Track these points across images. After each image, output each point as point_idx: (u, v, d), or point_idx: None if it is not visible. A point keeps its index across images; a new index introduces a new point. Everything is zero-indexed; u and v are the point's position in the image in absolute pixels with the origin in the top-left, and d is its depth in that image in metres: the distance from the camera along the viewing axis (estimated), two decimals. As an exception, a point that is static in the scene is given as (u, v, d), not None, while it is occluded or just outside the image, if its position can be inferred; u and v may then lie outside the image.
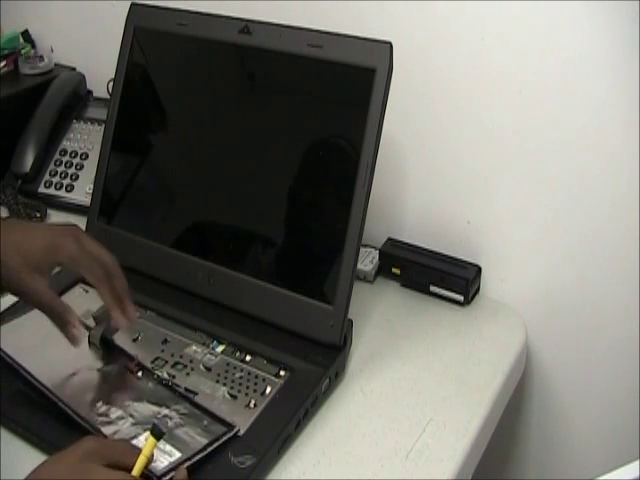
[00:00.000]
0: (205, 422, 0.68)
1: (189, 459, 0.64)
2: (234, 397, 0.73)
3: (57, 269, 0.76)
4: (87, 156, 1.10)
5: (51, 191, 1.09)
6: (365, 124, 0.74)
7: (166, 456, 0.64)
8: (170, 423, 0.68)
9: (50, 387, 0.72)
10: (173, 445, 0.65)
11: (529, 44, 0.81)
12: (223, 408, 0.71)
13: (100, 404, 0.71)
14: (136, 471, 0.60)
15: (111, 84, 0.93)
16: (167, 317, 0.82)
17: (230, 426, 0.67)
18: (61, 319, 0.69)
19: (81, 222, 0.92)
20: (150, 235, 0.88)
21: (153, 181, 0.94)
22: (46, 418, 0.70)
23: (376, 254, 0.96)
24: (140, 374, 0.75)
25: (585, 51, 0.78)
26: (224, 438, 0.66)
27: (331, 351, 0.76)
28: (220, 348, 0.79)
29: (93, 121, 1.14)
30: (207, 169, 0.88)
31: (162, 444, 0.64)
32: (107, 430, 0.67)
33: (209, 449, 0.65)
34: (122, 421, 0.68)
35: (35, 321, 0.76)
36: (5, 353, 0.76)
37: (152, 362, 0.76)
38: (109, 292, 0.71)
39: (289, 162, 0.82)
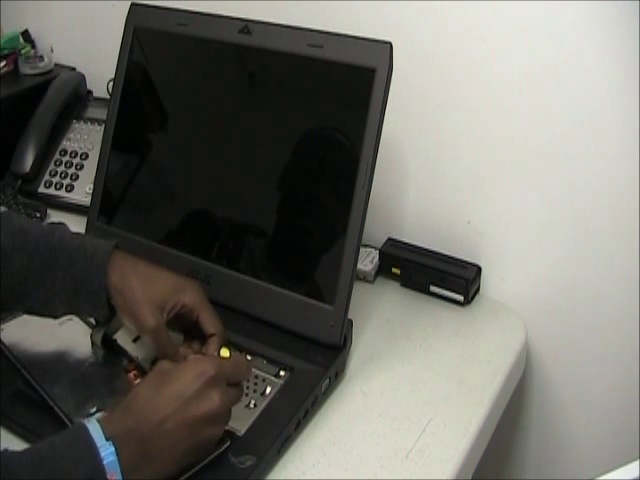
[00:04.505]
0: None
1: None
2: (234, 397, 0.73)
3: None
4: (87, 156, 1.10)
5: (51, 191, 1.09)
6: (365, 124, 0.74)
7: None
8: None
9: (45, 387, 0.72)
10: None
11: (529, 44, 0.81)
12: (223, 408, 0.71)
13: (90, 405, 0.71)
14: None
15: (111, 84, 0.93)
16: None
17: (220, 442, 0.65)
18: (164, 357, 0.69)
19: (81, 222, 0.92)
20: (150, 235, 0.88)
21: (153, 181, 0.94)
22: (46, 418, 0.69)
23: (376, 254, 0.96)
24: (137, 376, 0.75)
25: (585, 51, 0.78)
26: (210, 457, 0.64)
27: (331, 351, 0.76)
28: (220, 348, 0.79)
29: (93, 121, 1.14)
30: (207, 169, 0.88)
31: None
32: None
33: (194, 469, 0.63)
34: None
35: (35, 320, 0.76)
36: (6, 348, 0.75)
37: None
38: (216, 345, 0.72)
39: (289, 162, 0.82)
